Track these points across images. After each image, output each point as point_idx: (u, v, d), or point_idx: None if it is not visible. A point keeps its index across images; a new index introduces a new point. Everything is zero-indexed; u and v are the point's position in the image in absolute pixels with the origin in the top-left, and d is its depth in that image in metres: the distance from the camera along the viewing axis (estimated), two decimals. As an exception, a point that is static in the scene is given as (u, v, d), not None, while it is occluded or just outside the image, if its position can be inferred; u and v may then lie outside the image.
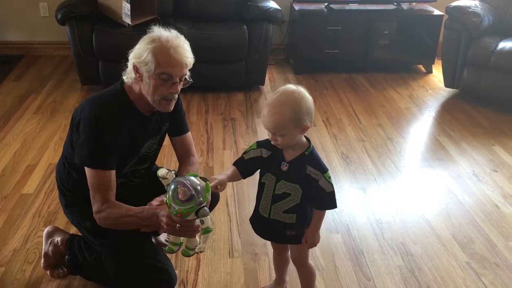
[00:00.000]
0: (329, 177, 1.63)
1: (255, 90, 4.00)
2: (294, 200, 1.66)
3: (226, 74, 3.87)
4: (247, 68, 3.87)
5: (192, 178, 1.55)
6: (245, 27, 3.78)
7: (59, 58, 4.54)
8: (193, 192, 1.50)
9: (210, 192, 1.57)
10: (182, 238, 1.65)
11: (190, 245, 1.63)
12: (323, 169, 1.63)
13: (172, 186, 1.53)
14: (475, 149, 3.18)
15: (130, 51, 1.72)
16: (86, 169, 1.72)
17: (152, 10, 3.75)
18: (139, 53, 1.66)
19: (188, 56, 1.68)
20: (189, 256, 1.65)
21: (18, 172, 2.77)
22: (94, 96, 1.80)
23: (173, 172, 1.60)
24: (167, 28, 1.72)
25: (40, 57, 4.58)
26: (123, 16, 3.60)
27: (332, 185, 1.64)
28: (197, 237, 1.63)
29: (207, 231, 1.58)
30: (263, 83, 4.01)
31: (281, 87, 1.60)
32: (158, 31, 1.68)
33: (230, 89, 3.95)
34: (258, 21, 3.78)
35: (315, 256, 2.20)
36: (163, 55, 1.63)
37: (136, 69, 1.69)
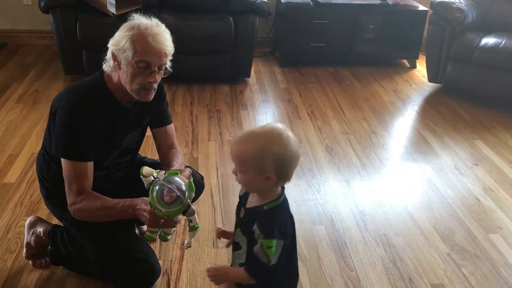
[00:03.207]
0: (269, 247, 1.26)
1: (240, 82, 4.00)
2: (243, 256, 1.37)
3: (212, 66, 3.85)
4: (233, 60, 3.86)
5: (176, 178, 1.52)
6: (231, 19, 3.76)
7: (42, 47, 4.48)
8: (179, 194, 1.48)
9: (194, 190, 1.56)
10: None
11: (167, 231, 1.65)
12: (268, 234, 1.27)
13: (157, 187, 1.50)
14: (457, 143, 3.22)
15: (110, 38, 1.69)
16: (62, 161, 1.69)
17: (137, 0, 3.72)
18: (118, 40, 1.64)
19: (167, 44, 1.65)
20: (166, 240, 1.68)
21: (-1, 162, 2.74)
22: (73, 86, 1.77)
23: (163, 172, 1.56)
24: (149, 16, 1.69)
25: (22, 45, 4.51)
26: (108, 5, 3.56)
27: (268, 257, 1.27)
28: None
29: (194, 228, 1.58)
30: (248, 76, 4.01)
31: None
32: (138, 19, 1.66)
33: (216, 81, 3.94)
34: (244, 13, 3.77)
35: (299, 247, 2.22)
36: (141, 43, 1.60)
37: (114, 56, 1.66)
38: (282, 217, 1.32)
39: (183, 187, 1.51)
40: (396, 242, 2.29)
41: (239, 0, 3.82)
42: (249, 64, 3.94)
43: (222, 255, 2.15)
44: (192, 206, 1.53)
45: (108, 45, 1.68)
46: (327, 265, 2.13)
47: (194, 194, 1.57)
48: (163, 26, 1.67)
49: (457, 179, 2.82)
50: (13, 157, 2.78)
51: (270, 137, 1.26)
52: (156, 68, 1.65)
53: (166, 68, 1.70)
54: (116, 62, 1.67)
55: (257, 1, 3.76)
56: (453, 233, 2.37)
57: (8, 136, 3.00)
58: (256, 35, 3.85)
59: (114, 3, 3.51)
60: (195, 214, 1.56)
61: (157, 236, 1.70)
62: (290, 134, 1.28)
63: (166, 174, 1.55)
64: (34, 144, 2.91)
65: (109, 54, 1.69)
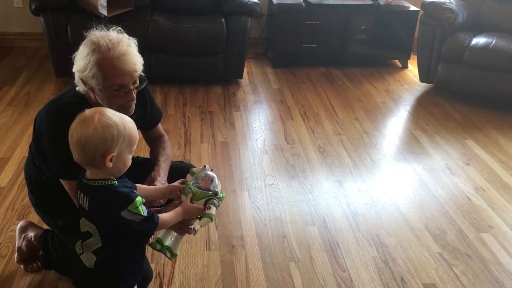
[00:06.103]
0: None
1: (233, 83, 4.00)
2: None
3: (204, 67, 3.85)
4: (225, 62, 3.86)
5: (209, 172, 1.68)
6: (223, 20, 3.76)
7: (33, 50, 4.46)
8: (214, 176, 1.66)
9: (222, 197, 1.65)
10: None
11: (163, 239, 1.66)
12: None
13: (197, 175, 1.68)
14: (448, 142, 3.24)
15: (73, 56, 1.62)
16: (63, 181, 1.66)
17: (128, 1, 3.71)
18: (82, 66, 1.56)
19: (135, 62, 1.57)
20: (155, 248, 1.67)
21: (-10, 165, 2.72)
22: (52, 104, 1.69)
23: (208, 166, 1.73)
24: (106, 28, 1.62)
25: (13, 48, 4.48)
26: (99, 7, 3.55)
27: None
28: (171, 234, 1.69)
29: (208, 216, 1.60)
30: (241, 77, 4.01)
31: None
32: (96, 37, 1.56)
33: (208, 82, 3.94)
34: (236, 14, 3.77)
35: (291, 248, 2.22)
36: (108, 67, 1.53)
37: (83, 81, 1.60)
38: None
39: (216, 180, 1.66)
40: (388, 242, 2.30)
41: (231, 1, 3.82)
42: (242, 65, 3.94)
43: (215, 257, 2.15)
44: (216, 199, 1.62)
45: (74, 70, 1.60)
46: (320, 266, 2.14)
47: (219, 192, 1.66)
48: (125, 40, 1.58)
49: (449, 179, 2.83)
50: (4, 160, 2.77)
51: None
52: (131, 86, 1.60)
53: (140, 79, 1.63)
54: (87, 85, 1.60)
55: (249, 2, 3.76)
56: (444, 233, 2.38)
57: (-1, 139, 2.99)
58: (248, 36, 3.85)
59: (106, 5, 3.50)
60: (215, 207, 1.62)
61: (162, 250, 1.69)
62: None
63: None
64: (25, 148, 2.89)
65: (77, 79, 1.62)
